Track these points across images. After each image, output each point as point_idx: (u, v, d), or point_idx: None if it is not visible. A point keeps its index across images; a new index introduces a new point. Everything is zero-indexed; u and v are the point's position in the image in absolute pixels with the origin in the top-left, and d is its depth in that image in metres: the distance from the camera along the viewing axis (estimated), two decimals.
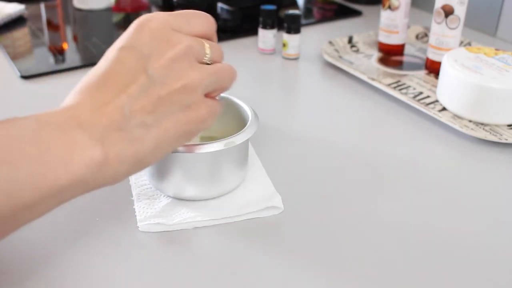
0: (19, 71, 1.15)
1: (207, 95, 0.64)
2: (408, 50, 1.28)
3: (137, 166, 0.60)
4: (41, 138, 0.53)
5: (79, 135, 0.55)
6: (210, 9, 1.43)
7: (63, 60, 1.23)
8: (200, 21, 0.66)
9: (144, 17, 0.63)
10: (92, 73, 0.60)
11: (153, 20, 0.62)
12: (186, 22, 0.64)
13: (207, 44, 0.65)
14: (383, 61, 1.22)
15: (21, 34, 1.38)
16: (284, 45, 1.23)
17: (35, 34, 1.37)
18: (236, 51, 1.28)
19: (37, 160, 0.52)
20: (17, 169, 0.51)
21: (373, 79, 1.10)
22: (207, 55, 0.64)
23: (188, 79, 0.61)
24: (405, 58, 1.24)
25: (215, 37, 0.69)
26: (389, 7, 1.22)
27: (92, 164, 0.55)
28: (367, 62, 1.22)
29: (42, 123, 0.54)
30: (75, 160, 0.54)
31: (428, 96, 1.05)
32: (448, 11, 1.09)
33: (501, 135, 0.92)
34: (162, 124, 0.60)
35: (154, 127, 0.59)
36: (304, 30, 1.39)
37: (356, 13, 1.56)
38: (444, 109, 1.01)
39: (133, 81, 0.59)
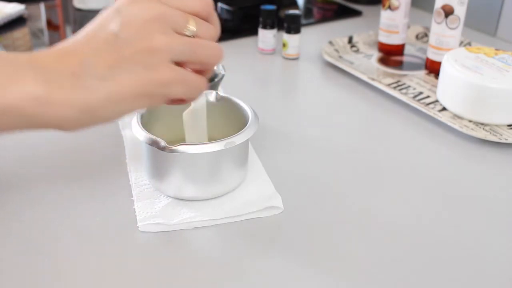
0: None
1: (181, 65, 0.63)
2: (408, 50, 1.28)
3: (87, 115, 0.60)
4: None
5: (25, 71, 0.57)
6: None
7: None
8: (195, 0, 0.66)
9: None
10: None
11: None
12: None
13: (193, 20, 0.64)
14: (383, 61, 1.22)
15: (21, 34, 1.38)
16: (284, 45, 1.23)
17: (35, 34, 1.37)
18: (236, 51, 1.28)
19: None
20: None
21: (373, 79, 1.10)
22: (188, 29, 0.64)
23: (154, 41, 0.61)
24: (405, 58, 1.24)
25: (212, 18, 0.67)
26: (389, 7, 1.22)
27: (29, 98, 0.57)
28: (367, 62, 1.22)
29: None
30: (11, 89, 0.56)
31: (428, 96, 1.05)
32: (448, 11, 1.09)
33: (501, 135, 0.92)
34: (118, 79, 0.60)
35: (110, 80, 0.60)
36: (304, 30, 1.39)
37: (356, 13, 1.56)
38: (444, 109, 1.01)
39: (103, 36, 0.60)
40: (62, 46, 0.61)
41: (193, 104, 0.74)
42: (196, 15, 0.65)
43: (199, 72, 0.65)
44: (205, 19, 0.66)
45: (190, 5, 0.65)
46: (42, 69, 0.58)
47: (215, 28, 0.67)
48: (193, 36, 0.64)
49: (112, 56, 0.60)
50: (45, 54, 0.59)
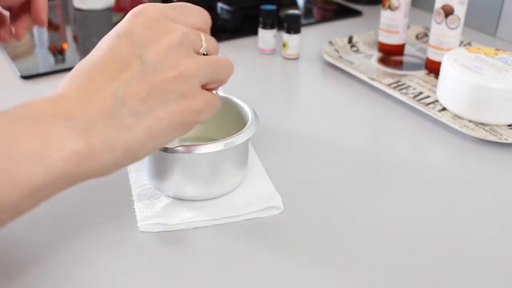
0: (19, 71, 1.15)
1: (203, 87, 0.63)
2: (408, 50, 1.28)
3: (128, 156, 0.57)
4: (11, 134, 0.50)
5: (57, 127, 0.52)
6: (210, 9, 1.42)
7: (63, 60, 1.23)
8: (196, 14, 0.65)
9: (139, 7, 0.62)
10: (84, 61, 0.59)
11: (148, 9, 0.61)
12: (182, 13, 0.63)
13: (203, 36, 0.64)
14: (383, 61, 1.22)
15: None
16: (284, 45, 1.23)
17: (35, 34, 1.37)
18: (236, 51, 1.28)
19: (7, 159, 0.49)
20: None
21: (373, 79, 1.10)
22: (203, 46, 0.63)
23: (183, 67, 0.59)
24: (405, 58, 1.24)
25: (209, 32, 0.67)
26: (389, 7, 1.22)
27: (72, 157, 0.52)
28: (367, 62, 1.22)
29: (16, 118, 0.52)
30: (51, 154, 0.51)
31: (428, 96, 1.05)
32: (448, 11, 1.09)
33: (501, 135, 0.92)
34: (155, 113, 0.58)
35: (147, 116, 0.57)
36: (304, 30, 1.39)
37: (356, 13, 1.56)
38: (444, 109, 1.01)
39: (127, 68, 0.57)
40: (79, 85, 0.56)
41: None
42: (198, 29, 0.64)
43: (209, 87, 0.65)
44: (206, 33, 0.66)
45: (194, 20, 0.64)
46: (73, 120, 0.53)
47: (215, 40, 0.66)
48: (206, 53, 0.64)
49: (143, 89, 0.57)
50: (67, 99, 0.55)
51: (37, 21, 0.86)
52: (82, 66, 0.58)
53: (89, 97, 0.55)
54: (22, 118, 0.52)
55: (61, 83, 0.58)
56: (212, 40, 0.65)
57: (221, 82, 0.65)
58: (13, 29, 0.86)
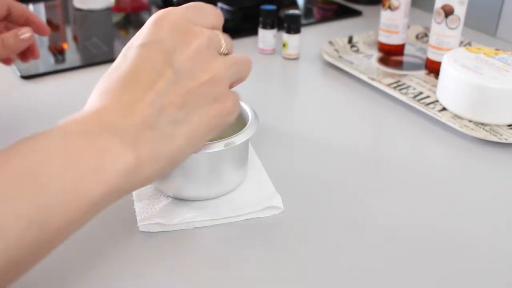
0: (19, 71, 1.15)
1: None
2: (408, 50, 1.28)
3: (170, 164, 0.59)
4: (67, 152, 0.51)
5: (108, 141, 0.53)
6: None
7: (63, 60, 1.23)
8: (211, 13, 0.66)
9: (160, 12, 0.62)
10: (113, 74, 0.59)
11: (170, 14, 0.62)
12: (199, 14, 0.64)
13: (221, 36, 0.65)
14: (383, 61, 1.22)
15: None
16: (284, 45, 1.23)
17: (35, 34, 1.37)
18: (236, 51, 1.26)
19: (66, 178, 0.50)
20: (47, 194, 0.49)
21: (373, 79, 1.10)
22: (223, 46, 0.64)
23: (213, 70, 0.60)
24: (405, 58, 1.24)
25: (221, 29, 0.68)
26: (389, 7, 1.22)
27: (124, 170, 0.53)
28: (367, 62, 1.22)
29: (68, 135, 0.52)
30: (107, 169, 0.52)
31: (428, 96, 1.05)
32: (448, 11, 1.10)
33: (501, 135, 0.92)
34: (192, 119, 0.59)
35: (185, 122, 0.59)
36: (304, 30, 1.39)
37: (356, 13, 1.57)
38: (444, 109, 1.01)
39: (160, 77, 0.58)
40: (116, 97, 0.56)
41: None
42: (213, 28, 0.65)
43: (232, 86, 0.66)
44: (220, 31, 0.67)
45: (210, 20, 0.65)
46: (120, 133, 0.54)
47: (229, 37, 0.67)
48: (226, 53, 0.64)
49: (179, 96, 0.58)
50: (110, 112, 0.55)
51: (41, 32, 0.89)
52: (112, 78, 0.58)
53: (129, 109, 0.56)
54: (75, 134, 0.53)
55: (91, 98, 0.58)
56: (228, 38, 0.67)
57: (243, 79, 0.67)
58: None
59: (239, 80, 0.66)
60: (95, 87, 0.59)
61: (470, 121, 0.97)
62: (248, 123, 0.77)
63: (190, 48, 0.60)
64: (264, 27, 1.24)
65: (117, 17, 1.52)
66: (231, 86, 0.65)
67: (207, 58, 0.60)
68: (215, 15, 0.66)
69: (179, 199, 0.76)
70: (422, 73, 1.17)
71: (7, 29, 0.91)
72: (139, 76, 0.58)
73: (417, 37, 1.36)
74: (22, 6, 0.91)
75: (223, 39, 0.65)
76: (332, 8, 1.61)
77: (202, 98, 0.60)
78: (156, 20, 0.61)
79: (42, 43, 1.32)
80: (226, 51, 0.65)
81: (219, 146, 0.71)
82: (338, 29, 1.45)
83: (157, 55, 0.59)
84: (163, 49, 0.59)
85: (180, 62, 0.59)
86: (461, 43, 1.26)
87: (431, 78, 1.14)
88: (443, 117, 0.96)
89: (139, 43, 0.60)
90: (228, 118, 0.63)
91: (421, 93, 1.07)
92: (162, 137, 0.57)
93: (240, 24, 1.42)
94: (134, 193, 0.77)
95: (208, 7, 0.66)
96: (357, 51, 1.28)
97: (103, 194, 0.52)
